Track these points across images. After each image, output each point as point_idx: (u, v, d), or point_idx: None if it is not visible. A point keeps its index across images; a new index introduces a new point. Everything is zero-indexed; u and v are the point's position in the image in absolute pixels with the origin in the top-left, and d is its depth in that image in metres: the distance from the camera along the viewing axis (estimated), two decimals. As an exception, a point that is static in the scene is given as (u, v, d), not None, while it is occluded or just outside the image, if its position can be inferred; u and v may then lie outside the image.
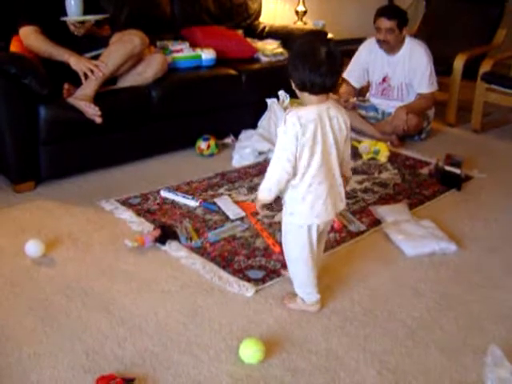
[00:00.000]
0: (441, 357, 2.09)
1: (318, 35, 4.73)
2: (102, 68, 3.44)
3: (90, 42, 3.66)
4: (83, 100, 3.36)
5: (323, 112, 2.04)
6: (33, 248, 2.66)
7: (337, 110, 2.09)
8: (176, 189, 3.38)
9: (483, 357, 2.02)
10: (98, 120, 3.39)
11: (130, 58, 3.58)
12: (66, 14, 3.52)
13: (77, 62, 3.43)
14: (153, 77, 3.75)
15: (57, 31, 3.52)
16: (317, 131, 2.01)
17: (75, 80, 3.43)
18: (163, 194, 3.31)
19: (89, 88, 3.41)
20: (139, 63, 3.70)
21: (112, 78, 3.61)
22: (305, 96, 2.04)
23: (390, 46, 4.24)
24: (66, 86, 3.42)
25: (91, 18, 3.59)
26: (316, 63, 1.96)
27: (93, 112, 3.37)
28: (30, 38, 3.46)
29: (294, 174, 2.06)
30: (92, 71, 3.41)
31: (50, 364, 2.00)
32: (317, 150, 2.03)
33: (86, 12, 3.56)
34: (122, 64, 3.57)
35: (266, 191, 2.09)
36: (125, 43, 3.56)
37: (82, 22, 3.56)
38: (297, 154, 2.01)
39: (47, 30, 3.48)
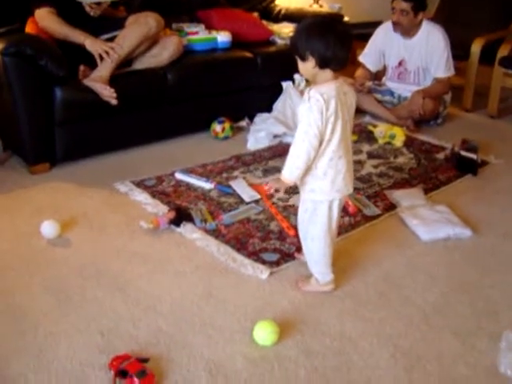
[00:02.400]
0: (455, 341, 2.08)
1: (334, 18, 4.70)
2: (118, 50, 3.44)
3: (106, 24, 3.67)
4: (99, 82, 3.37)
5: (339, 88, 2.05)
6: (48, 229, 2.68)
7: (347, 86, 2.11)
8: (191, 171, 3.39)
9: (498, 342, 2.02)
10: (114, 102, 3.40)
11: (145, 40, 3.58)
12: (81, -5, 3.53)
13: (92, 44, 3.43)
14: (168, 59, 3.75)
15: (72, 13, 3.53)
16: (337, 107, 2.02)
17: (91, 62, 3.44)
18: (178, 176, 3.31)
19: (104, 70, 3.42)
20: (155, 45, 3.70)
21: (127, 60, 3.61)
22: (323, 73, 2.03)
23: (403, 29, 4.19)
24: (81, 67, 3.43)
25: (107, -2, 3.60)
26: (340, 38, 1.98)
27: (108, 94, 3.37)
28: (45, 20, 3.46)
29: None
30: (107, 53, 3.41)
31: (66, 343, 2.02)
32: (337, 126, 2.04)
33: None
34: (138, 46, 3.56)
35: (295, 170, 2.07)
36: (140, 25, 3.55)
37: (98, 3, 3.57)
38: (322, 128, 2.01)
39: (63, 11, 3.49)
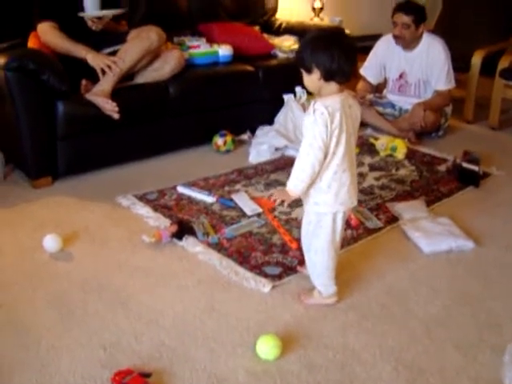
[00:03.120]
0: (458, 354, 2.07)
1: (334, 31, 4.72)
2: (120, 64, 3.46)
3: (108, 38, 3.69)
4: (101, 96, 3.38)
5: (344, 101, 2.06)
6: (51, 243, 2.68)
7: (352, 98, 2.12)
8: (193, 185, 3.39)
9: (500, 355, 2.01)
10: (116, 116, 3.41)
11: (147, 54, 3.59)
12: (83, 10, 3.54)
13: (94, 58, 3.45)
14: (170, 73, 3.76)
15: (74, 27, 3.54)
16: (342, 120, 2.02)
17: (93, 76, 3.45)
18: (180, 189, 3.32)
19: (106, 84, 3.43)
20: (156, 59, 3.71)
21: (129, 74, 3.63)
22: (328, 86, 2.04)
23: (406, 42, 4.22)
24: (83, 82, 3.44)
25: (109, 12, 3.61)
26: (345, 51, 2.00)
27: (110, 108, 3.39)
28: (47, 34, 3.48)
29: None
30: (109, 67, 3.43)
31: (68, 358, 2.01)
32: (342, 139, 2.04)
33: (103, 7, 3.58)
34: (140, 60, 3.58)
35: (300, 183, 2.08)
36: (142, 39, 3.57)
37: (100, 18, 3.58)
38: (327, 141, 2.01)
39: (65, 25, 3.51)
